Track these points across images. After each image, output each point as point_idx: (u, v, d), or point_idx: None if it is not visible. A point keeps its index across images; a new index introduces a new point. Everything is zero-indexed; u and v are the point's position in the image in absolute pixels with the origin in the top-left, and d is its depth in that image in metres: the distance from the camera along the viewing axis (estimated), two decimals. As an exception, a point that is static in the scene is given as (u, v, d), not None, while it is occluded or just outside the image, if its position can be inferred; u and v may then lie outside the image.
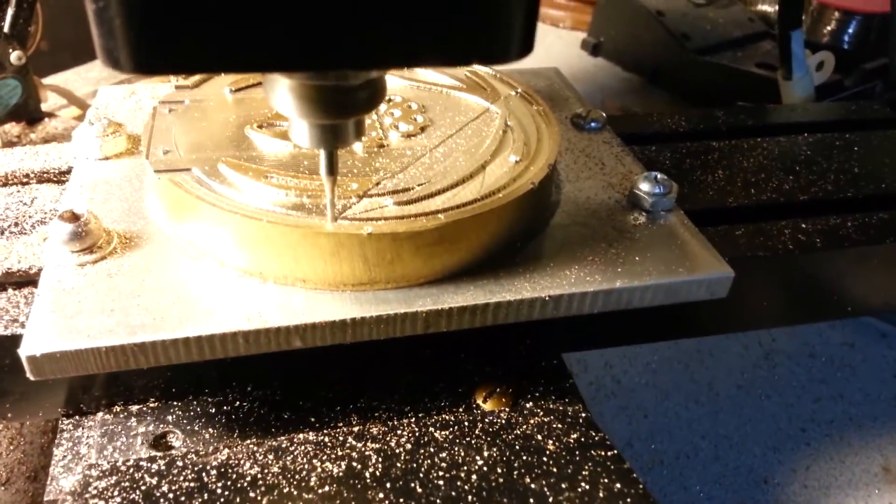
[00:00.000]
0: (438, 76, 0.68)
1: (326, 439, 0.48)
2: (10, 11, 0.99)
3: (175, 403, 0.55)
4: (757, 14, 1.58)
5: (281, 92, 0.39)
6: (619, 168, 0.65)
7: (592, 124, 0.71)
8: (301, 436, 0.48)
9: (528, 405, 0.51)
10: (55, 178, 0.65)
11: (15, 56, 1.01)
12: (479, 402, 0.56)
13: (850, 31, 1.35)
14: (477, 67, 0.70)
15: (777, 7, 1.53)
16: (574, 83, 0.82)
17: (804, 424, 0.98)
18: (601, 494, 0.43)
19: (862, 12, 1.32)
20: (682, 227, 0.57)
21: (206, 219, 0.50)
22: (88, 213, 0.51)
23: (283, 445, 0.47)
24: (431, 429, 0.48)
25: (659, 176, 0.59)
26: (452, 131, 0.60)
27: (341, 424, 0.54)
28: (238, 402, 0.55)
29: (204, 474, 0.44)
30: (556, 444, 0.46)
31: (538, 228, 0.56)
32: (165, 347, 0.45)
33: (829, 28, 1.36)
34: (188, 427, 0.53)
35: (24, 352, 0.43)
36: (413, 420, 0.49)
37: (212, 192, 0.50)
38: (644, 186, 0.59)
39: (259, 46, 0.31)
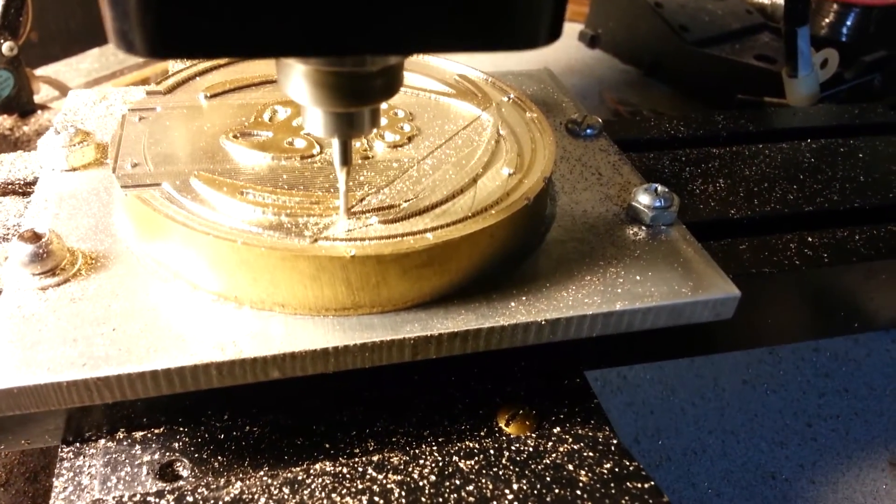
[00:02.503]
0: (427, 81, 0.65)
1: (345, 470, 0.45)
2: (1, 2, 0.95)
3: (181, 429, 0.51)
4: (754, 6, 1.56)
5: (295, 78, 0.37)
6: (616, 178, 0.62)
7: (588, 131, 0.67)
8: (318, 466, 0.45)
9: (555, 430, 0.48)
10: (20, 190, 0.61)
11: (7, 47, 0.98)
12: (502, 425, 0.52)
13: (849, 23, 1.34)
14: (468, 71, 0.67)
15: (774, -1, 1.52)
16: (571, 75, 0.80)
17: (810, 419, 0.97)
18: None
19: (860, 4, 1.31)
20: (685, 243, 0.54)
21: (176, 239, 0.46)
22: (51, 233, 0.47)
23: (300, 478, 0.44)
24: (455, 457, 0.45)
25: (659, 188, 0.56)
26: (442, 141, 0.57)
27: (358, 451, 0.50)
28: (248, 428, 0.51)
29: None
30: (589, 474, 0.44)
31: (533, 245, 0.53)
32: (132, 381, 0.42)
33: (827, 20, 1.35)
34: (196, 455, 0.49)
35: (-23, 388, 0.40)
36: (435, 447, 0.46)
37: (183, 209, 0.47)
38: (644, 199, 0.56)
39: (279, 30, 0.30)
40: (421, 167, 0.54)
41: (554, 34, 0.33)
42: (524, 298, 0.48)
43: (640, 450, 0.91)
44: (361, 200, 0.49)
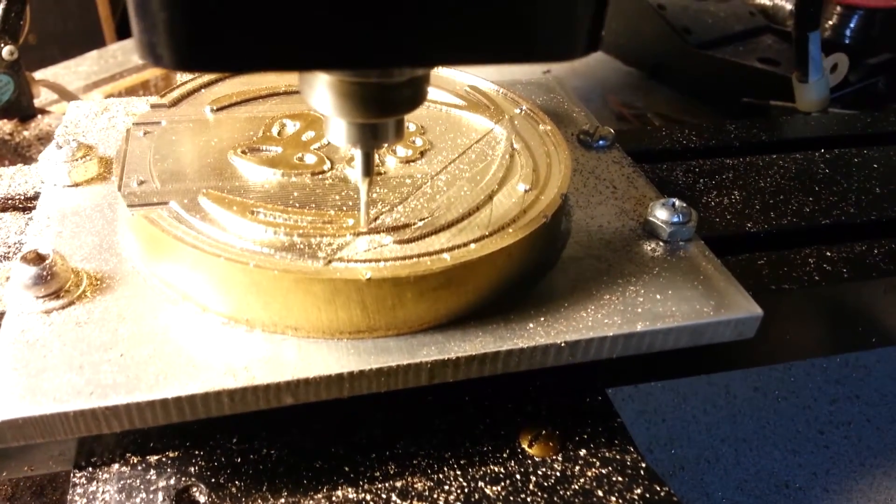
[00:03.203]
0: (437, 93, 0.64)
1: (368, 497, 0.44)
2: (1, 6, 0.94)
3: (197, 452, 0.49)
4: (757, 7, 1.55)
5: (319, 88, 0.37)
6: (631, 191, 0.60)
7: (601, 142, 0.66)
8: (339, 493, 0.44)
9: (580, 452, 0.46)
10: (21, 205, 0.59)
11: (7, 51, 0.96)
12: (525, 446, 0.51)
13: (853, 25, 1.33)
14: (478, 82, 0.65)
15: (776, 1, 1.52)
16: (573, 78, 0.79)
17: (822, 427, 0.97)
18: None
19: (864, 7, 1.30)
20: (704, 260, 0.53)
21: (185, 261, 0.45)
22: (54, 254, 0.45)
23: None
24: (481, 483, 0.45)
25: (677, 203, 0.55)
26: (455, 156, 0.55)
27: (379, 475, 0.48)
28: (265, 451, 0.50)
29: None
30: (620, 501, 0.42)
31: (550, 263, 0.52)
32: (141, 410, 0.40)
33: (831, 23, 1.34)
34: (213, 480, 0.48)
35: (-20, 419, 0.38)
36: (458, 472, 0.45)
37: (192, 230, 0.45)
38: (661, 214, 0.55)
39: (309, 43, 0.29)
40: (435, 183, 0.52)
41: (592, 44, 0.31)
42: (542, 319, 0.47)
43: (654, 459, 0.90)
44: (375, 219, 0.48)
